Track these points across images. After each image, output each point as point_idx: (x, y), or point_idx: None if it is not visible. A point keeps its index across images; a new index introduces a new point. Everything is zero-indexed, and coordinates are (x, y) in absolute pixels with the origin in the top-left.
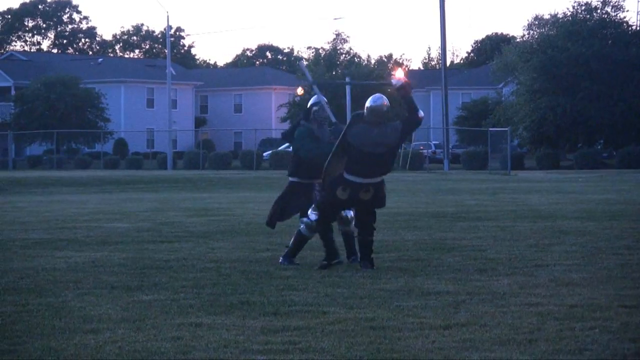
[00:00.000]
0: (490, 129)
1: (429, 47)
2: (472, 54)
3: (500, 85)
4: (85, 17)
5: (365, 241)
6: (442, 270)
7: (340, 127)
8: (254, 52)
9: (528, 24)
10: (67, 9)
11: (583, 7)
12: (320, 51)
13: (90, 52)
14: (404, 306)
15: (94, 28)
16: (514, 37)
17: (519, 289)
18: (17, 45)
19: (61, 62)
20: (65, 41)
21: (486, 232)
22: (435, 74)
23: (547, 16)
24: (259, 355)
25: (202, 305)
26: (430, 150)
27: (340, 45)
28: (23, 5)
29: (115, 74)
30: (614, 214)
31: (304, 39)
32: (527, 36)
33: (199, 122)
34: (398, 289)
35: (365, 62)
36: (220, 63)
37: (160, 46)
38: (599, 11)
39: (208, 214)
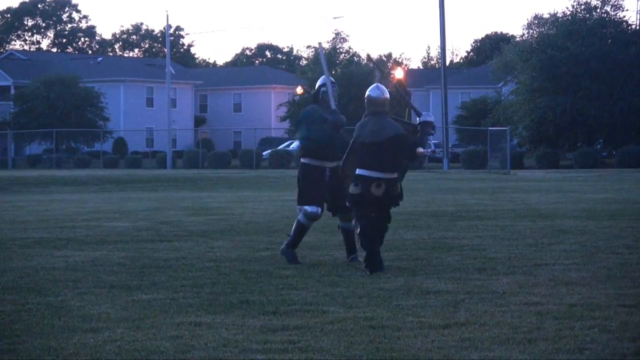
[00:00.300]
0: (490, 128)
1: (429, 46)
2: (471, 53)
3: (500, 85)
4: (85, 16)
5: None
6: (442, 270)
7: (340, 117)
8: (253, 52)
9: (527, 23)
10: (67, 8)
11: (582, 7)
12: (316, 50)
13: (90, 51)
14: (404, 305)
15: (93, 27)
16: (513, 37)
17: (519, 288)
18: (17, 45)
19: (61, 62)
20: (64, 40)
21: (485, 232)
22: (434, 73)
23: (546, 15)
24: (258, 354)
25: (202, 305)
26: (429, 150)
27: (340, 45)
28: (23, 4)
29: (115, 73)
30: (613, 213)
31: (303, 38)
32: (526, 35)
33: (199, 122)
34: (397, 288)
35: (365, 61)
36: (220, 62)
37: (159, 45)
38: (598, 10)
39: (207, 213)
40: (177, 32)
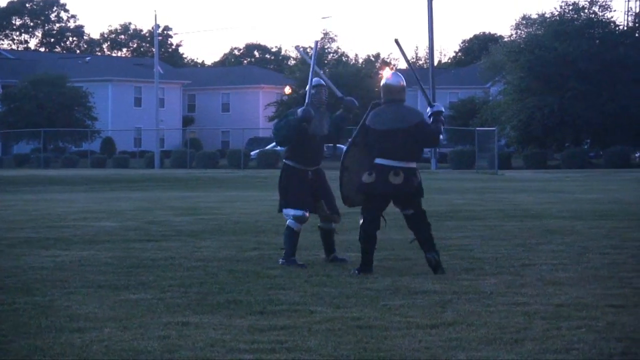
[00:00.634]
0: (478, 128)
1: (417, 47)
2: (459, 54)
3: (488, 85)
4: (73, 16)
5: (425, 239)
6: (429, 270)
7: (308, 110)
8: (241, 51)
9: (516, 24)
10: (55, 8)
11: (570, 7)
12: (308, 50)
13: (78, 51)
14: (391, 305)
15: (81, 27)
16: (501, 37)
17: (506, 288)
18: (5, 44)
19: (49, 61)
20: (52, 40)
21: (473, 232)
22: (422, 73)
23: (534, 16)
24: (245, 354)
25: (189, 304)
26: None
27: (328, 45)
28: (10, 3)
29: (103, 73)
30: (601, 214)
31: (291, 38)
32: (514, 36)
33: (187, 121)
34: (385, 288)
35: (353, 61)
36: (208, 62)
37: (148, 45)
38: (586, 11)
39: (195, 213)
40: (165, 32)
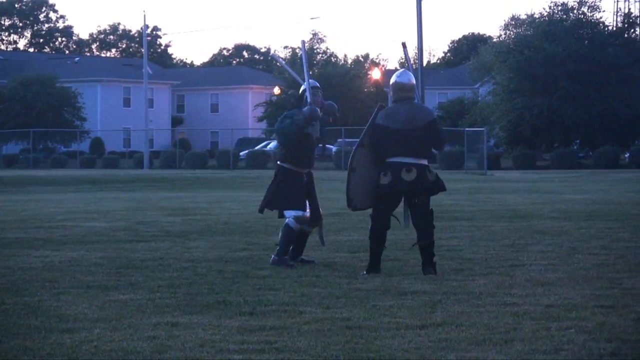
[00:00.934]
0: (467, 128)
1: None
2: (448, 54)
3: (477, 85)
4: (62, 16)
5: (426, 246)
6: (419, 270)
7: (324, 116)
8: (230, 52)
9: (505, 24)
10: (44, 8)
11: (559, 8)
12: (297, 51)
13: (67, 51)
14: (380, 306)
15: (70, 27)
16: (490, 37)
17: (495, 288)
18: None
19: (38, 61)
20: (41, 40)
21: (462, 232)
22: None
23: (523, 16)
24: (235, 354)
25: (179, 305)
26: None
27: (317, 45)
28: None
29: (92, 73)
30: (590, 214)
31: (280, 38)
32: (503, 36)
33: (176, 122)
34: (374, 289)
35: (342, 61)
36: (197, 62)
37: (137, 45)
38: (575, 12)
39: (185, 213)
40: (154, 32)
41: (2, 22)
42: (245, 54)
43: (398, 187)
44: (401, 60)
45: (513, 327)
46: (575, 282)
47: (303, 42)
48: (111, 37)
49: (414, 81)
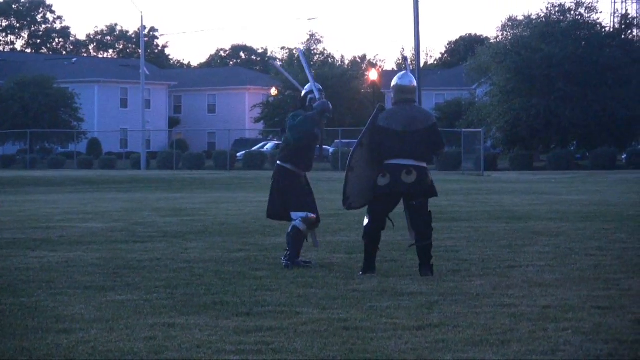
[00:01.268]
0: (464, 129)
1: (403, 48)
2: (445, 55)
3: (474, 86)
4: (59, 17)
5: (423, 247)
6: (416, 271)
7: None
8: (227, 53)
9: (502, 25)
10: (41, 9)
11: (557, 9)
12: (294, 52)
13: (64, 52)
14: (377, 307)
15: (67, 28)
16: (487, 38)
17: (492, 289)
18: None
19: (35, 62)
20: (39, 41)
21: (459, 233)
22: None
23: (520, 17)
24: (231, 355)
25: (175, 306)
26: None
27: (314, 46)
28: None
29: (89, 74)
30: (587, 215)
31: (277, 39)
32: (500, 37)
33: (173, 122)
34: (371, 290)
35: (339, 62)
36: (194, 63)
37: (134, 46)
38: (572, 13)
39: (182, 214)
40: (151, 33)
41: (0, 23)
42: (242, 54)
43: (397, 189)
44: (398, 62)
45: (510, 328)
46: (572, 283)
47: (301, 51)
48: (108, 38)
49: (415, 84)
